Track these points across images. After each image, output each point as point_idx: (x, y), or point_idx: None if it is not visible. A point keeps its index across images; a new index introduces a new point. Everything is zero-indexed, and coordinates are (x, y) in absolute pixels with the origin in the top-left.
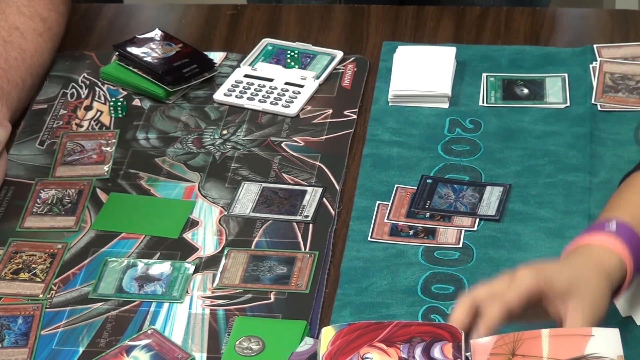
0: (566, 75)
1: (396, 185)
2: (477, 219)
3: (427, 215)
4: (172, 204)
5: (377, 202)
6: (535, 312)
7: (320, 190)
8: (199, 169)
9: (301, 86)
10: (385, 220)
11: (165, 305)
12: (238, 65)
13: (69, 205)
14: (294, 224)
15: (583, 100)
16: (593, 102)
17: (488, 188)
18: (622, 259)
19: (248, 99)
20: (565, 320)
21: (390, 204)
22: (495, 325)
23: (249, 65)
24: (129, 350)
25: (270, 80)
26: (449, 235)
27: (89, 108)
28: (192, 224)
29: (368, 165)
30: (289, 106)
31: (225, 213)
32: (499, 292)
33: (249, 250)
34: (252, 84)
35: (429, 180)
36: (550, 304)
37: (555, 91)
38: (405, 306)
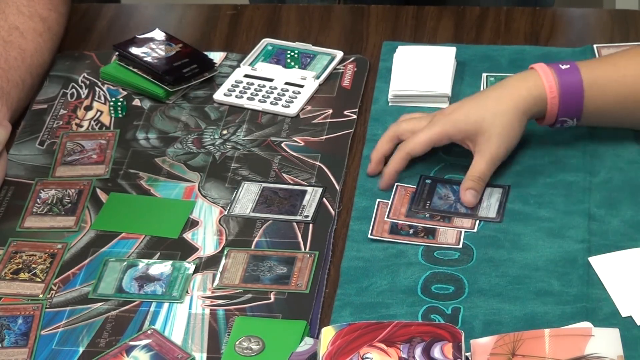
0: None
1: (396, 184)
2: (477, 220)
3: (427, 215)
4: (172, 204)
5: (378, 200)
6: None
7: (320, 190)
8: (199, 169)
9: (301, 86)
10: (386, 219)
11: (165, 305)
12: (238, 65)
13: (69, 205)
14: (294, 224)
15: None
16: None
17: (487, 189)
18: (545, 94)
19: (248, 99)
20: (473, 163)
21: (390, 202)
22: (395, 170)
23: (249, 65)
24: (129, 350)
25: (270, 80)
26: (449, 235)
27: (89, 108)
28: (192, 224)
29: (368, 165)
30: (289, 106)
31: (225, 213)
32: (414, 130)
33: (249, 250)
34: (252, 84)
35: (427, 181)
36: (463, 144)
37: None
38: (405, 306)
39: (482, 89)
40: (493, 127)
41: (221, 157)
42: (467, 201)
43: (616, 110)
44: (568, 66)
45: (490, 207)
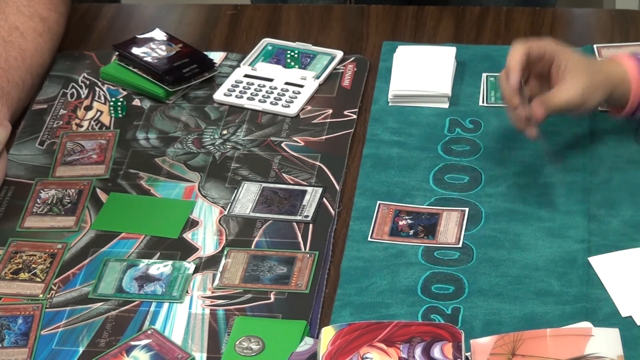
0: None
1: (378, 202)
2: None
3: (411, 233)
4: (172, 204)
5: (378, 202)
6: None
7: (320, 190)
8: (199, 169)
9: (301, 86)
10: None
11: (165, 305)
12: (238, 65)
13: (69, 205)
14: (294, 224)
15: None
16: None
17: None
18: (628, 73)
19: (248, 99)
20: (557, 88)
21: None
22: (520, 62)
23: (249, 65)
24: (129, 350)
25: (270, 80)
26: (449, 235)
27: (89, 108)
28: (192, 224)
29: (368, 165)
30: (289, 106)
31: (225, 213)
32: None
33: (249, 250)
34: (252, 84)
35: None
36: (556, 70)
37: None
38: (405, 306)
39: (482, 89)
40: (588, 76)
41: (221, 157)
42: (535, 113)
43: None
44: None
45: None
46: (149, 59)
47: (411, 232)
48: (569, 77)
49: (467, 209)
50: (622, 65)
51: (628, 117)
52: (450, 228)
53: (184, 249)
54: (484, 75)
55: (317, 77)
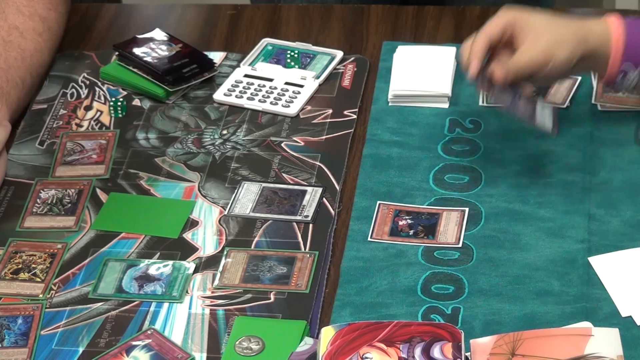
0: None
1: (378, 202)
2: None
3: (411, 233)
4: (172, 204)
5: (378, 202)
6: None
7: (320, 190)
8: (199, 169)
9: (301, 86)
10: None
11: (165, 305)
12: (238, 65)
13: (69, 205)
14: (294, 224)
15: (583, 100)
16: (593, 102)
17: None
18: (609, 31)
19: (248, 99)
20: (518, 51)
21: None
22: (480, 50)
23: (249, 65)
24: (129, 350)
25: (270, 80)
26: (449, 235)
27: (88, 108)
28: (192, 224)
29: (368, 165)
30: (289, 106)
31: (225, 213)
32: None
33: (249, 250)
34: (252, 83)
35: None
36: (518, 36)
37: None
38: (405, 306)
39: None
40: (549, 31)
41: (221, 157)
42: (494, 75)
43: None
44: (637, 17)
45: (545, 116)
46: (149, 59)
47: (411, 232)
48: (529, 36)
49: (467, 209)
50: (605, 23)
51: (611, 82)
52: (450, 228)
53: (184, 249)
54: None
55: (317, 77)
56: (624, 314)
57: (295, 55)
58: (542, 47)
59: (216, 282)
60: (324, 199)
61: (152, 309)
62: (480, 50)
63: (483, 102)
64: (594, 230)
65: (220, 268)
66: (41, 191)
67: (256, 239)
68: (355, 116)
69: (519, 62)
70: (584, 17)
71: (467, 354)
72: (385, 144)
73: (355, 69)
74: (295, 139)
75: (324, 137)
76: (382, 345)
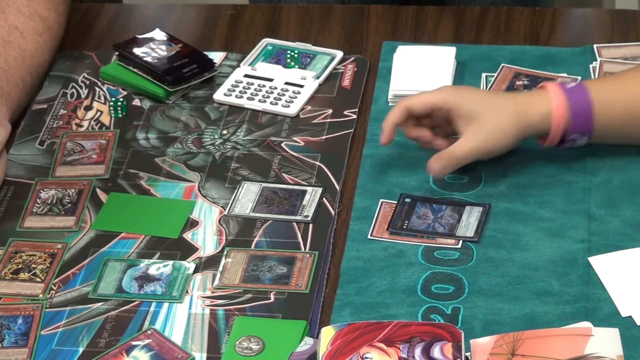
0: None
1: (381, 200)
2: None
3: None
4: (172, 204)
5: (381, 200)
6: (440, 124)
7: (320, 190)
8: (199, 169)
9: (301, 86)
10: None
11: (165, 305)
12: (238, 65)
13: (69, 205)
14: (294, 224)
15: None
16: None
17: (467, 208)
18: (552, 112)
19: (248, 99)
20: (454, 144)
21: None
22: (393, 121)
23: (249, 65)
24: (129, 350)
25: (270, 80)
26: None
27: (89, 108)
28: (192, 224)
29: (368, 165)
30: (289, 106)
31: (225, 213)
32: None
33: (249, 250)
34: (252, 84)
35: (407, 200)
36: (456, 122)
37: None
38: (405, 306)
39: (481, 88)
40: (490, 121)
41: (221, 157)
42: (431, 168)
43: (626, 127)
44: (574, 84)
45: (469, 226)
46: (149, 59)
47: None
48: (470, 126)
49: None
50: (547, 99)
51: (557, 145)
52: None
53: (184, 249)
54: (484, 75)
55: (317, 77)
56: (624, 314)
57: (295, 55)
58: (483, 138)
59: (216, 282)
60: (324, 199)
61: (152, 309)
62: (393, 120)
63: None
64: (594, 230)
65: (220, 268)
66: (41, 191)
67: (256, 239)
68: (355, 116)
69: (459, 153)
70: (525, 94)
71: (467, 354)
72: None
73: (355, 69)
74: (295, 139)
75: (324, 137)
76: (382, 345)
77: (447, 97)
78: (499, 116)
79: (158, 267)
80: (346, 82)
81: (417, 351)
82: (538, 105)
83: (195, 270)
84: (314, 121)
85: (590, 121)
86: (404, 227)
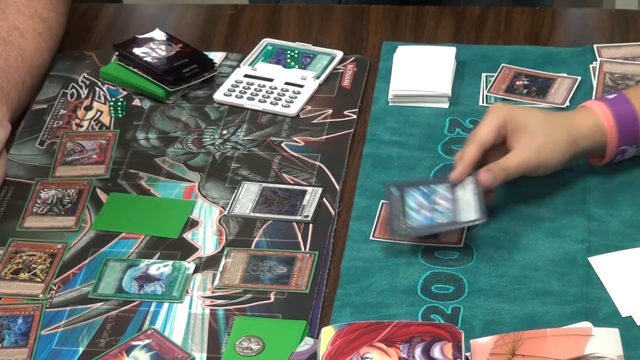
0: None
1: (381, 202)
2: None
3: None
4: (172, 204)
5: (382, 201)
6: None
7: (320, 190)
8: (199, 169)
9: (301, 86)
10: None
11: (165, 305)
12: (238, 65)
13: (69, 205)
14: (294, 224)
15: (583, 100)
16: None
17: (459, 184)
18: (601, 123)
19: (248, 99)
20: (506, 156)
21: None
22: (471, 160)
23: (249, 65)
24: (129, 350)
25: (270, 80)
26: (450, 234)
27: (89, 108)
28: (192, 224)
29: (368, 165)
30: (289, 106)
31: (225, 213)
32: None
33: (249, 250)
34: (252, 84)
35: (395, 192)
36: (509, 135)
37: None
38: (405, 306)
39: (482, 89)
40: (542, 134)
41: (221, 157)
42: (483, 179)
43: None
44: (615, 95)
45: (469, 208)
46: (149, 59)
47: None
48: (522, 139)
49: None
50: (593, 113)
51: (610, 163)
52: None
53: (184, 249)
54: (484, 75)
55: (317, 77)
56: (624, 314)
57: (295, 55)
58: (535, 151)
59: (216, 282)
60: (324, 199)
61: (152, 309)
62: (471, 159)
63: (483, 102)
64: (594, 230)
65: (220, 268)
66: (41, 191)
67: (256, 239)
68: (355, 116)
69: (510, 165)
70: (568, 112)
71: (467, 354)
72: (385, 144)
73: (355, 69)
74: (295, 139)
75: (324, 137)
76: (383, 346)
77: (501, 112)
78: (551, 129)
79: (158, 267)
80: (346, 82)
81: (417, 351)
82: (584, 119)
83: (196, 270)
84: (314, 121)
85: (637, 129)
86: (409, 229)
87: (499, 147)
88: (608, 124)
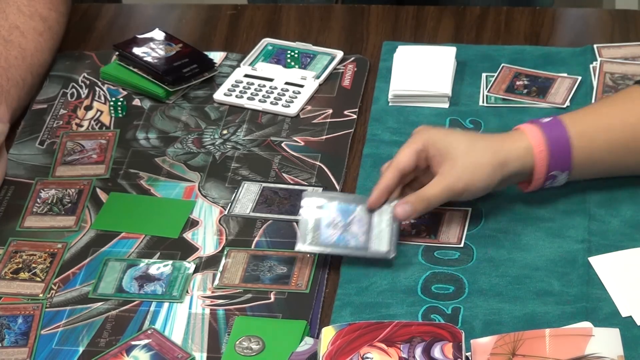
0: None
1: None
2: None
3: (413, 232)
4: (172, 204)
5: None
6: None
7: (320, 190)
8: (199, 169)
9: (301, 86)
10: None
11: (165, 305)
12: (238, 65)
13: (69, 205)
14: (294, 223)
15: (583, 100)
16: (593, 102)
17: (376, 212)
18: (531, 147)
19: (248, 98)
20: (428, 184)
21: None
22: (387, 186)
23: (249, 65)
24: (129, 350)
25: (270, 80)
26: (450, 234)
27: (89, 108)
28: (192, 223)
29: (368, 165)
30: (289, 106)
31: (225, 213)
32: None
33: (249, 250)
34: (252, 83)
35: (310, 204)
36: (431, 163)
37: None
38: (405, 306)
39: (482, 89)
40: (464, 158)
41: (221, 157)
42: (398, 213)
43: (606, 159)
44: (550, 119)
45: (381, 238)
46: (149, 58)
47: (413, 231)
48: (443, 164)
49: (470, 209)
50: (524, 136)
51: (539, 188)
52: (452, 227)
53: (184, 249)
54: (484, 75)
55: (317, 77)
56: (624, 314)
57: (296, 55)
58: (456, 176)
59: (216, 282)
60: None
61: (152, 308)
62: (387, 185)
63: (483, 102)
64: (594, 230)
65: (221, 268)
66: (41, 191)
67: (256, 239)
68: (355, 116)
69: (430, 194)
70: (499, 134)
71: (467, 354)
72: (386, 144)
73: (355, 69)
74: (295, 138)
75: (324, 137)
76: (383, 345)
77: (420, 137)
78: (474, 153)
79: (158, 267)
80: (346, 82)
81: (418, 351)
82: (514, 142)
83: (196, 270)
84: (314, 121)
85: (569, 155)
86: (314, 245)
87: (426, 169)
88: (538, 149)
